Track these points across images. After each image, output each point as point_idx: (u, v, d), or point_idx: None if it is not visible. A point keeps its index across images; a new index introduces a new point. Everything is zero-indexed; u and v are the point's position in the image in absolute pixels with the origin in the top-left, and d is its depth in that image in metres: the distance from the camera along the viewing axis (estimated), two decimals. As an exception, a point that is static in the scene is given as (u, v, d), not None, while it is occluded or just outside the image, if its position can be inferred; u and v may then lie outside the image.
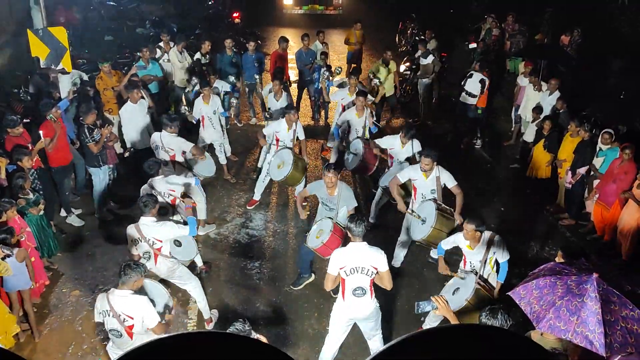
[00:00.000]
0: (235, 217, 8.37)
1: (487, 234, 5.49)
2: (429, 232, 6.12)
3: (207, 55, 11.00)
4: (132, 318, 4.59)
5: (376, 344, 5.37)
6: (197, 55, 11.06)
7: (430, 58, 11.84)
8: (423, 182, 6.58)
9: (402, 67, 12.84)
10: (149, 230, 5.61)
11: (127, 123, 8.57)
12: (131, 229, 5.71)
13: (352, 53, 13.82)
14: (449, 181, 6.57)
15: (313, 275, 6.82)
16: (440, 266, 5.87)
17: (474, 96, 10.42)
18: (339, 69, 10.83)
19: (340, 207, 6.29)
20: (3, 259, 5.33)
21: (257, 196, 8.51)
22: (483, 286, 5.33)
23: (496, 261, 5.54)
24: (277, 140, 8.02)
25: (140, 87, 8.84)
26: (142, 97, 8.70)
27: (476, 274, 5.43)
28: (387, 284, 4.99)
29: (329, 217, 6.18)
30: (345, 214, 6.22)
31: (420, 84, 12.08)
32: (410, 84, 12.78)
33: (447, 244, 5.79)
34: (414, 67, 12.60)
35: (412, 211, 6.59)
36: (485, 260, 5.48)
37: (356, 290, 4.94)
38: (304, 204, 7.44)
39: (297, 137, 8.09)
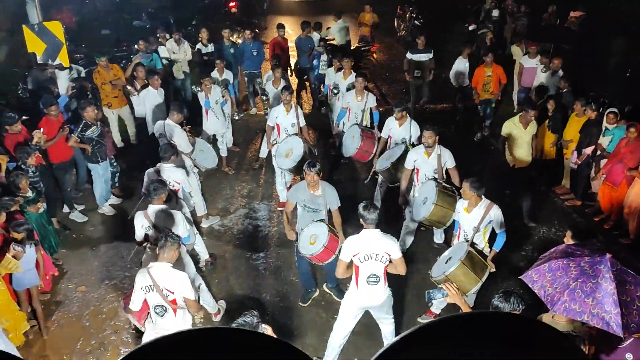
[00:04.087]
0: (238, 208, 8.33)
1: (486, 201, 5.51)
2: (431, 210, 6.00)
3: (209, 45, 10.94)
4: (173, 292, 4.61)
5: (388, 328, 5.39)
6: (198, 46, 11.00)
7: (427, 56, 10.73)
8: (425, 162, 6.56)
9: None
10: (159, 217, 5.59)
11: (150, 107, 8.65)
12: (140, 216, 5.68)
13: (361, 36, 13.85)
14: (449, 161, 6.58)
15: (318, 290, 6.57)
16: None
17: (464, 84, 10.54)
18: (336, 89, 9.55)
19: (325, 207, 5.89)
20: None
21: (283, 197, 7.95)
22: (476, 251, 5.36)
23: (490, 236, 5.58)
24: (279, 127, 7.74)
25: (155, 76, 8.90)
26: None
27: (467, 241, 5.47)
28: (401, 269, 5.03)
29: (320, 220, 5.82)
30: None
31: (412, 84, 11.14)
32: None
33: (455, 215, 5.81)
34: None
35: (411, 201, 6.61)
36: (479, 229, 5.50)
37: (370, 277, 4.94)
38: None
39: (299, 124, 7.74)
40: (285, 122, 7.67)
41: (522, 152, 7.68)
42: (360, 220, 4.98)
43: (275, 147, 7.70)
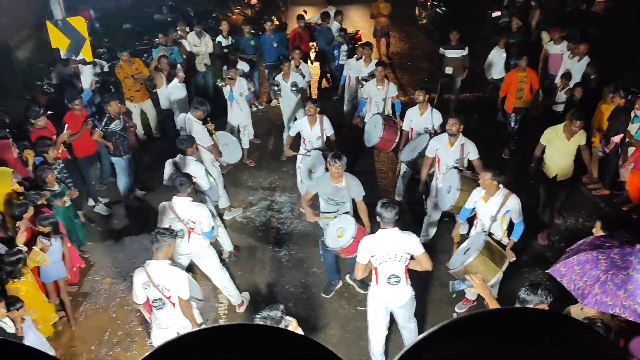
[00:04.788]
0: (260, 200, 8.36)
1: (504, 190, 5.44)
2: (457, 197, 6.02)
3: (229, 37, 10.98)
4: (169, 290, 4.65)
5: (410, 335, 5.20)
6: (219, 38, 11.03)
7: (460, 52, 10.00)
8: (447, 151, 6.45)
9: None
10: (184, 210, 5.61)
11: (174, 101, 8.70)
12: (164, 208, 5.72)
13: (377, 27, 13.51)
14: (473, 152, 6.45)
15: (341, 281, 6.56)
16: (454, 232, 5.93)
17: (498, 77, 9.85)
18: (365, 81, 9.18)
19: (349, 198, 5.85)
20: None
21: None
22: (494, 240, 5.31)
23: (508, 225, 5.52)
24: (304, 139, 7.42)
25: (180, 69, 8.98)
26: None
27: (484, 232, 5.42)
28: (426, 265, 4.86)
29: (345, 212, 5.81)
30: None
31: (441, 81, 10.55)
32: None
33: (469, 202, 5.73)
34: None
35: (435, 190, 6.57)
36: (496, 218, 5.44)
37: (390, 278, 4.79)
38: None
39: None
40: (310, 135, 7.34)
41: (562, 163, 6.84)
42: (378, 218, 4.78)
43: (300, 158, 7.52)
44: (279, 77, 9.13)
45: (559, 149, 6.80)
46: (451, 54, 10.09)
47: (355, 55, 9.76)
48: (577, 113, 6.78)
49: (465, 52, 10.06)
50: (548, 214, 7.18)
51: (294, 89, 8.84)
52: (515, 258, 5.41)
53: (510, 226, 5.58)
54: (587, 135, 6.94)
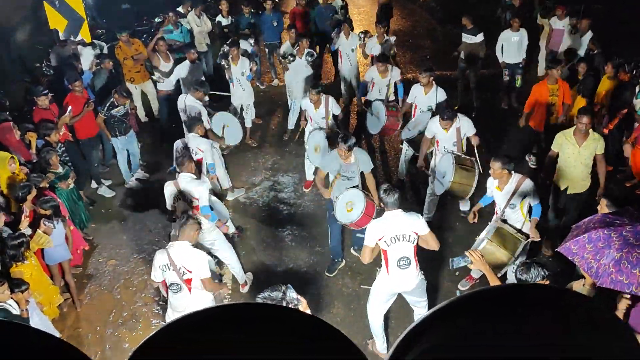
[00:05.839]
0: (263, 181, 8.34)
1: (517, 176, 5.46)
2: (449, 187, 6.14)
3: (229, 17, 10.86)
4: (191, 272, 4.70)
5: (422, 311, 5.23)
6: (219, 18, 10.90)
7: (473, 38, 9.34)
8: (444, 135, 6.55)
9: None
10: (186, 185, 5.69)
11: (185, 82, 8.61)
12: (170, 185, 5.83)
13: (381, 6, 13.26)
14: (469, 129, 6.53)
15: (344, 260, 6.58)
16: (470, 215, 5.92)
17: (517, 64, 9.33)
18: (363, 34, 9.47)
19: (358, 173, 6.03)
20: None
21: (309, 176, 7.93)
22: (509, 226, 5.33)
23: (529, 207, 5.52)
24: (311, 117, 7.52)
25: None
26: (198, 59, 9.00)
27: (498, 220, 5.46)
28: (433, 244, 4.90)
29: (354, 187, 5.89)
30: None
31: (461, 69, 9.76)
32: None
33: (488, 190, 5.79)
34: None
35: (433, 171, 6.65)
36: (514, 205, 5.44)
37: (401, 260, 4.79)
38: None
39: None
40: (315, 115, 7.44)
41: (573, 173, 6.04)
42: (381, 204, 4.90)
43: (307, 134, 7.61)
44: (294, 51, 9.12)
45: (569, 157, 6.02)
46: (465, 38, 9.54)
47: (342, 31, 9.66)
48: (584, 109, 6.16)
49: (478, 38, 9.32)
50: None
51: (309, 58, 8.88)
52: (539, 238, 5.42)
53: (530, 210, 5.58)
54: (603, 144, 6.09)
